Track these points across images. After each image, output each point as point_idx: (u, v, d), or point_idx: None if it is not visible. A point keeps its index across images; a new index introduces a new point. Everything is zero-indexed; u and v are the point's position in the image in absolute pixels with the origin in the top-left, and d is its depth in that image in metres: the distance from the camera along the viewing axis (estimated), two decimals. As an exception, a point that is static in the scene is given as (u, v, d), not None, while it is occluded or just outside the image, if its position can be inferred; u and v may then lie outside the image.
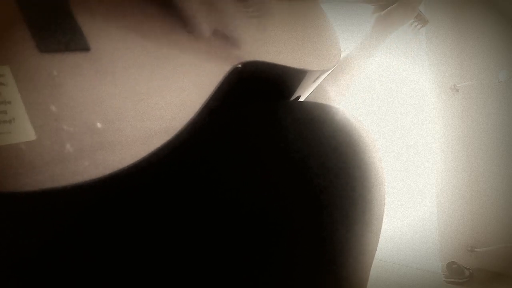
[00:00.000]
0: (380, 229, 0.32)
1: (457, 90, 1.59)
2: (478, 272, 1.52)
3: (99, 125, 0.19)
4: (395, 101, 1.65)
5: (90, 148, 0.19)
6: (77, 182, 0.18)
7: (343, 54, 0.48)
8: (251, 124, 0.25)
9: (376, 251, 0.33)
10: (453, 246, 1.56)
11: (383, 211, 0.32)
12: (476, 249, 1.55)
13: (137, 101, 0.21)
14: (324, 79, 0.41)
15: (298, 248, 0.25)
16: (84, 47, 0.20)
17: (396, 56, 1.61)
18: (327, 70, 0.33)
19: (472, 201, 1.61)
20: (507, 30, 1.51)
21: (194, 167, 0.22)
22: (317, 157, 0.26)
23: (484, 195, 1.59)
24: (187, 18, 0.24)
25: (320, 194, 0.26)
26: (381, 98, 1.69)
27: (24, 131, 0.17)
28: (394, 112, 1.66)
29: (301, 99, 0.35)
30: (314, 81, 0.34)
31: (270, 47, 0.28)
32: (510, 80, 1.45)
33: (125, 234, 0.20)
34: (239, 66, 0.25)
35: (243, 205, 0.23)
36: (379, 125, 1.67)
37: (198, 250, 0.22)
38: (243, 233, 0.23)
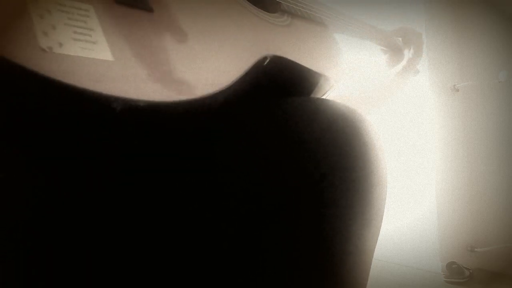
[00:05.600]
0: (380, 227, 0.32)
1: (457, 90, 1.59)
2: (478, 272, 1.52)
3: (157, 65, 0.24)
4: (395, 101, 1.65)
5: (157, 78, 0.23)
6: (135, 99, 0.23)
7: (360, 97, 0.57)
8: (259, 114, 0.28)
9: (376, 251, 0.33)
10: (453, 246, 1.56)
11: (383, 210, 0.32)
12: (476, 249, 1.55)
13: (190, 58, 0.26)
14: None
15: (297, 244, 0.25)
16: (148, 8, 0.26)
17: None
18: (334, 78, 0.39)
19: (472, 201, 1.61)
20: (507, 30, 1.51)
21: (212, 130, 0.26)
22: (318, 150, 0.26)
23: (484, 195, 1.60)
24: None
25: (322, 188, 0.26)
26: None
27: (104, 51, 0.22)
28: (394, 112, 1.66)
29: None
30: (322, 89, 0.39)
31: (292, 51, 0.34)
32: (510, 80, 1.45)
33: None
34: (266, 57, 0.31)
35: (245, 190, 0.24)
36: (379, 125, 1.67)
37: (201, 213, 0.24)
38: (241, 227, 0.23)
